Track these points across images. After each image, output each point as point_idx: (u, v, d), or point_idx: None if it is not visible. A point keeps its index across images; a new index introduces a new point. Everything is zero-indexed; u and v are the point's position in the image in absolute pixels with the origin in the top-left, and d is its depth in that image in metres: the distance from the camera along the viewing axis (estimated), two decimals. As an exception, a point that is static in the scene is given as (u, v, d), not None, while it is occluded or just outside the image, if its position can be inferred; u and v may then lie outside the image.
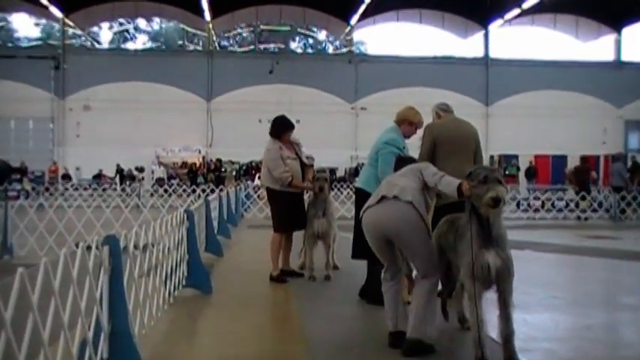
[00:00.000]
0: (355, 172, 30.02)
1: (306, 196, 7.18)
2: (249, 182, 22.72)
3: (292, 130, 6.90)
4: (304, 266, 7.32)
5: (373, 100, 32.88)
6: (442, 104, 6.07)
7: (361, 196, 5.59)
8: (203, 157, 32.68)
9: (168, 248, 5.13)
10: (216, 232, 9.67)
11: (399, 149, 5.48)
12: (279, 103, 29.55)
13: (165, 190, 21.05)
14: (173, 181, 28.13)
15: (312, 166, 7.14)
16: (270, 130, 6.89)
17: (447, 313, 4.72)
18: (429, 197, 4.16)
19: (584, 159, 20.40)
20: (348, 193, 19.39)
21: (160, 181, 28.25)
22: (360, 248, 4.89)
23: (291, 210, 6.83)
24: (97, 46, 35.59)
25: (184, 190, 20.08)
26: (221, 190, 15.57)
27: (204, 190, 18.32)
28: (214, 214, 10.11)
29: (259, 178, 18.93)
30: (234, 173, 27.01)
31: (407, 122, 5.71)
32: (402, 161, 4.54)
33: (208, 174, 29.69)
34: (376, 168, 5.50)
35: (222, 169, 28.30)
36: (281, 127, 6.84)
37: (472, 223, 3.76)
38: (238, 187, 17.29)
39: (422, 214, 4.02)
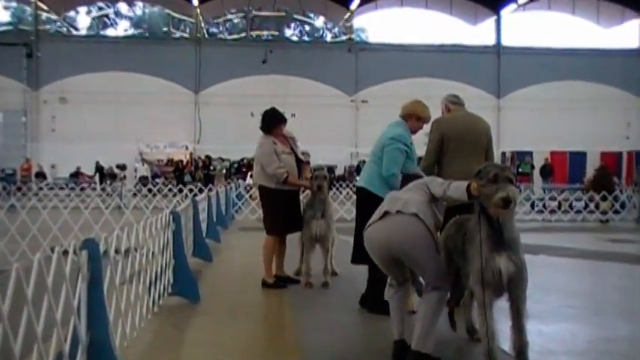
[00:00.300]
0: (357, 170, 30.05)
1: (302, 196, 7.19)
2: (240, 181, 22.70)
3: (284, 124, 6.93)
4: (300, 272, 7.33)
5: (375, 92, 32.93)
6: (452, 96, 6.07)
7: (363, 196, 5.60)
8: (190, 154, 32.67)
9: (153, 253, 5.13)
10: (204, 235, 9.65)
11: (407, 146, 5.50)
12: (273, 95, 29.58)
13: (150, 190, 21.03)
14: (158, 180, 28.09)
15: (308, 163, 7.15)
16: (260, 125, 6.92)
17: (455, 323, 4.73)
18: (437, 211, 4.17)
19: (603, 165, 20.26)
20: (348, 193, 19.41)
21: (143, 180, 28.23)
22: (360, 252, 4.91)
23: (286, 211, 6.83)
24: (73, 32, 35.55)
25: (170, 190, 20.06)
26: (210, 189, 15.56)
27: (191, 190, 18.29)
28: (203, 215, 10.11)
29: (251, 176, 18.93)
30: (224, 171, 27.03)
31: (415, 117, 5.71)
32: (408, 178, 4.57)
33: (196, 172, 29.70)
34: (380, 166, 5.50)
35: (212, 167, 28.33)
36: (272, 121, 6.86)
37: (481, 225, 3.77)
38: (229, 187, 17.28)
39: (429, 226, 4.03)
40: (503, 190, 3.66)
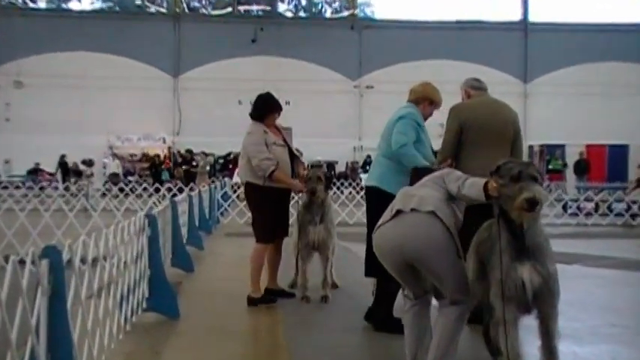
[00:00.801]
0: (363, 166, 30.05)
1: (297, 196, 7.15)
2: (226, 179, 22.70)
3: (279, 112, 6.89)
4: (295, 284, 7.34)
5: (382, 76, 32.91)
6: (473, 80, 6.09)
7: (375, 197, 5.57)
8: (169, 148, 32.67)
9: (125, 262, 5.14)
10: (185, 241, 9.68)
11: (419, 125, 5.53)
12: (264, 80, 29.53)
13: (121, 190, 21.05)
14: (131, 178, 28.10)
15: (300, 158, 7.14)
16: (251, 111, 6.87)
17: (495, 348, 4.62)
18: (457, 210, 4.16)
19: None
20: (351, 193, 19.40)
21: (113, 178, 28.24)
22: (375, 263, 4.88)
23: (279, 212, 6.82)
24: (31, 5, 35.48)
25: (145, 190, 20.06)
26: (192, 189, 15.54)
27: (170, 190, 18.28)
28: (183, 219, 10.12)
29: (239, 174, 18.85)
30: (207, 168, 26.97)
31: (427, 101, 5.75)
32: (420, 172, 4.57)
33: (175, 169, 29.69)
34: (392, 159, 5.51)
35: (193, 163, 28.28)
36: (265, 107, 6.83)
37: (501, 230, 3.78)
38: (213, 186, 17.28)
39: (448, 226, 4.01)
40: (528, 189, 3.66)
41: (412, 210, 4.07)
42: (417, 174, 4.58)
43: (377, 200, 5.44)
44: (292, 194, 7.04)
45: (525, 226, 3.72)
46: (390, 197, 4.53)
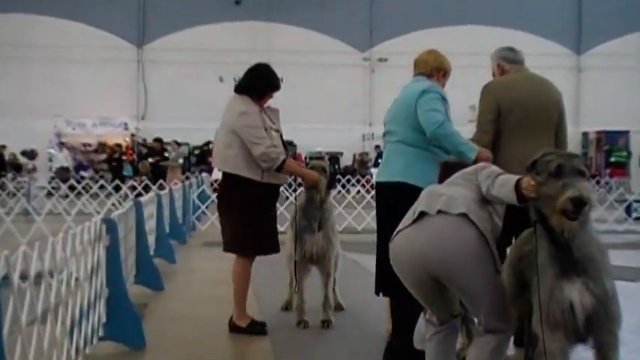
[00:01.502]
0: (376, 160, 29.89)
1: (292, 197, 7.16)
2: (204, 175, 22.68)
3: (275, 91, 6.87)
4: (290, 306, 7.35)
5: (397, 46, 32.77)
6: (508, 50, 6.12)
7: (401, 196, 5.33)
8: (132, 136, 32.69)
9: (77, 279, 5.11)
10: (152, 253, 9.67)
11: (446, 101, 5.55)
12: (251, 51, 29.55)
13: (72, 188, 20.98)
14: (84, 174, 28.07)
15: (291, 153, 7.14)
16: (243, 84, 6.76)
17: None
18: (495, 215, 4.17)
19: None
20: (359, 192, 19.41)
21: (62, 173, 28.17)
22: (387, 278, 4.86)
23: (273, 217, 6.81)
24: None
25: (102, 188, 20.01)
26: (161, 187, 15.54)
27: (133, 188, 18.26)
28: (150, 224, 10.11)
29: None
30: (180, 161, 26.99)
31: (442, 72, 5.83)
32: (451, 167, 4.58)
33: (140, 162, 29.63)
34: (415, 144, 5.50)
35: (165, 154, 28.23)
36: (265, 83, 6.77)
37: (541, 240, 3.78)
38: (187, 183, 17.27)
39: (483, 232, 4.01)
40: (573, 187, 3.65)
41: (439, 212, 4.06)
42: (446, 169, 4.60)
43: (403, 200, 5.07)
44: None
45: (568, 233, 3.71)
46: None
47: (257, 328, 6.71)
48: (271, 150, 6.45)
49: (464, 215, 4.00)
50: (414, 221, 4.14)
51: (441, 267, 4.01)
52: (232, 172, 6.61)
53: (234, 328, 6.69)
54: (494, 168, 4.23)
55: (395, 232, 4.26)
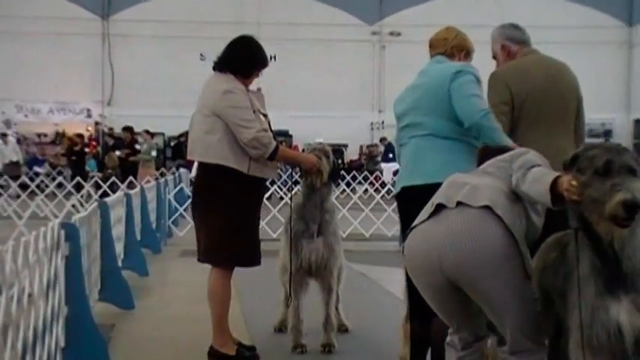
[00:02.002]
0: (385, 153, 29.86)
1: (287, 197, 7.15)
2: (182, 171, 22.70)
3: (263, 68, 6.87)
4: (284, 326, 7.36)
5: (412, 18, 32.95)
6: (513, 29, 6.10)
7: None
8: (96, 124, 32.73)
9: (30, 295, 5.09)
10: (120, 264, 9.66)
11: (480, 82, 5.56)
12: (239, 23, 29.58)
13: (24, 187, 21.01)
14: (39, 169, 28.08)
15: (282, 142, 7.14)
16: (226, 61, 6.72)
17: None
18: (533, 212, 4.17)
19: None
20: (366, 192, 19.46)
21: (11, 169, 28.16)
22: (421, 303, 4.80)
23: (258, 220, 6.79)
24: None
25: (60, 186, 20.03)
26: (131, 185, 15.52)
27: (98, 187, 18.25)
28: (117, 230, 10.10)
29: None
30: (153, 154, 26.98)
31: (464, 52, 5.86)
32: (490, 154, 4.58)
33: (107, 155, 29.60)
34: (460, 137, 5.45)
35: (136, 146, 28.21)
36: (252, 59, 6.76)
37: (582, 250, 3.76)
38: (162, 181, 17.28)
39: (511, 228, 4.01)
40: (624, 188, 3.61)
41: (458, 204, 4.09)
42: (485, 156, 4.62)
43: None
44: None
45: (617, 244, 3.69)
46: None
47: (245, 354, 6.66)
48: (262, 134, 6.39)
49: (487, 208, 4.02)
50: (431, 215, 4.18)
51: (457, 269, 4.05)
52: (215, 163, 6.51)
53: (214, 355, 6.60)
54: (531, 156, 4.23)
55: (409, 229, 4.31)
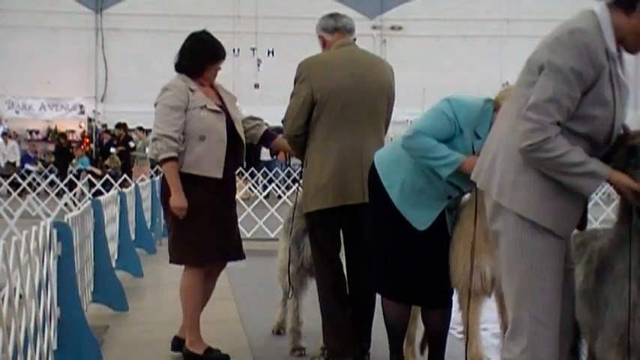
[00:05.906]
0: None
1: (287, 195, 7.15)
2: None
3: (220, 62, 6.91)
4: (282, 328, 7.39)
5: (414, 11, 32.85)
6: (327, 18, 6.20)
7: None
8: (89, 121, 32.64)
9: (21, 296, 5.10)
10: (114, 264, 9.67)
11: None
12: (235, 17, 29.60)
13: (15, 185, 21.01)
14: (31, 167, 28.05)
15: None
16: (177, 61, 6.87)
17: None
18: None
19: None
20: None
21: (7, 169, 28.11)
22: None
23: (214, 218, 6.75)
24: None
25: (52, 185, 20.01)
26: (125, 184, 15.51)
27: (92, 185, 18.23)
28: (111, 230, 10.12)
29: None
30: (147, 152, 26.93)
31: None
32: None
33: (110, 156, 29.53)
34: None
35: (130, 143, 28.18)
36: (197, 54, 6.82)
37: (620, 248, 3.74)
38: (157, 179, 17.24)
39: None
40: None
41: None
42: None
43: None
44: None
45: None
46: None
47: (215, 356, 6.72)
48: (164, 139, 6.49)
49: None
50: None
51: None
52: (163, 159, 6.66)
53: (189, 356, 6.70)
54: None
55: None
